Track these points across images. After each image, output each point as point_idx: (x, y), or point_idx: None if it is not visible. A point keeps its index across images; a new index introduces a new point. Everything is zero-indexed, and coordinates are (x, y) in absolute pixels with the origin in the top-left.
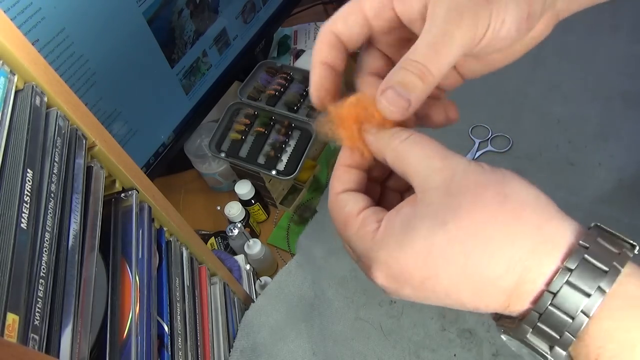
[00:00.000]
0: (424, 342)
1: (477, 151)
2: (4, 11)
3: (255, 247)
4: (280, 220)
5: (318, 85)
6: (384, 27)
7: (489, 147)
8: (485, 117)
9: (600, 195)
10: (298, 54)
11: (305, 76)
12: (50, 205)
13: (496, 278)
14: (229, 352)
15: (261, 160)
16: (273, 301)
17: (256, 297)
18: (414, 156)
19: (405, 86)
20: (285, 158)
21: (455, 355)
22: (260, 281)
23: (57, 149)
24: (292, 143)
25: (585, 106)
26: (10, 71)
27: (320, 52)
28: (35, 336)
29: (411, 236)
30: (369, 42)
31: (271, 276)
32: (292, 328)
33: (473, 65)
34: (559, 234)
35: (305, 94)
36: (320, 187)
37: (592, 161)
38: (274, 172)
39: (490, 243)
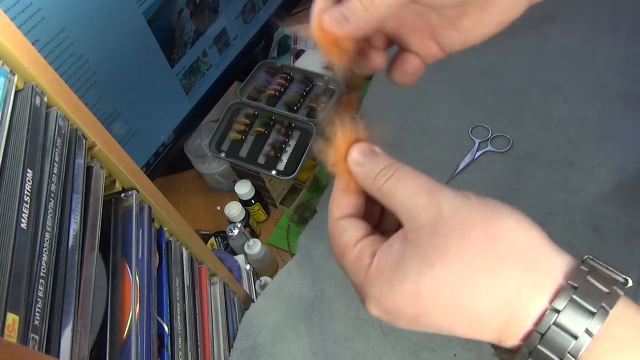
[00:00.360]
0: (424, 342)
1: (477, 151)
2: (4, 11)
3: (255, 247)
4: (280, 220)
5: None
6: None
7: (489, 147)
8: (485, 117)
9: (600, 195)
10: (298, 54)
11: (305, 76)
12: (50, 205)
13: (485, 317)
14: (229, 352)
15: (261, 160)
16: (273, 301)
17: (256, 297)
18: (400, 194)
19: (350, 10)
20: (285, 158)
21: (455, 355)
22: (260, 281)
23: (57, 149)
24: (292, 143)
25: (585, 106)
26: (10, 71)
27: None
28: (35, 336)
29: (401, 277)
30: None
31: (271, 276)
32: (292, 328)
33: (448, 33)
34: (547, 273)
35: (305, 94)
36: (320, 187)
37: (592, 161)
38: (274, 172)
39: (478, 285)
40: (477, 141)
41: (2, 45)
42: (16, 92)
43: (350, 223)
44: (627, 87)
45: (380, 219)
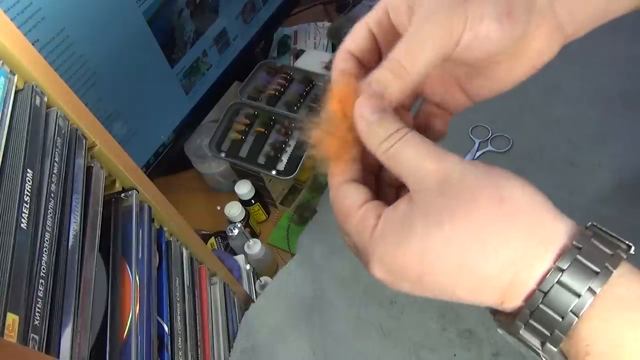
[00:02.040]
0: (424, 342)
1: (477, 151)
2: (4, 11)
3: (255, 247)
4: (280, 220)
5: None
6: (386, 37)
7: (489, 147)
8: (485, 117)
9: (600, 195)
10: (298, 54)
11: (305, 76)
12: (50, 205)
13: (490, 278)
14: (229, 352)
15: (261, 160)
16: (273, 301)
17: (256, 297)
18: (407, 158)
19: (380, 83)
20: (285, 158)
21: (455, 355)
22: (260, 281)
23: (57, 149)
24: (292, 143)
25: (585, 106)
26: (10, 71)
27: (337, 65)
28: (35, 336)
29: (408, 235)
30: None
31: (271, 276)
32: (292, 328)
33: (478, 83)
34: (552, 235)
35: (305, 94)
36: (320, 187)
37: (592, 161)
38: (274, 172)
39: (485, 245)
40: (477, 141)
41: (2, 45)
42: (16, 92)
43: (354, 187)
44: (627, 87)
45: (376, 193)
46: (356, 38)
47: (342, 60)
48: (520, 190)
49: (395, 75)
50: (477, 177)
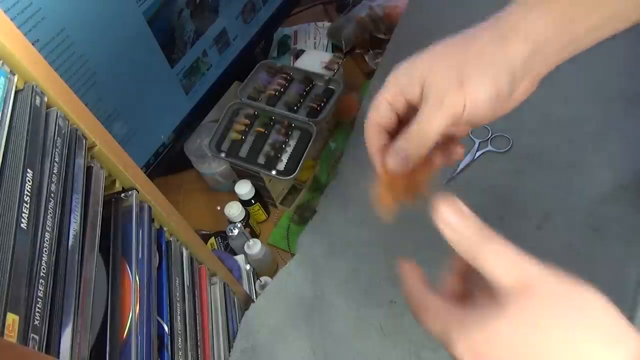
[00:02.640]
0: (424, 342)
1: (477, 151)
2: (4, 11)
3: (255, 247)
4: (280, 220)
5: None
6: (403, 109)
7: (489, 147)
8: None
9: (600, 195)
10: (298, 54)
11: (305, 76)
12: (50, 205)
13: None
14: (229, 352)
15: (261, 160)
16: (273, 301)
17: (256, 297)
18: (490, 261)
19: (403, 150)
20: (285, 158)
21: None
22: (260, 281)
23: (57, 149)
24: (292, 143)
25: (585, 106)
26: (10, 71)
27: (371, 139)
28: (35, 336)
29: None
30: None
31: (271, 276)
32: (292, 328)
33: (475, 124)
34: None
35: (305, 94)
36: (320, 187)
37: (592, 161)
38: (274, 172)
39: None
40: (477, 141)
41: (2, 45)
42: (16, 92)
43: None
44: (627, 87)
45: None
46: (380, 111)
47: (375, 132)
48: (597, 302)
49: (415, 147)
50: (557, 284)
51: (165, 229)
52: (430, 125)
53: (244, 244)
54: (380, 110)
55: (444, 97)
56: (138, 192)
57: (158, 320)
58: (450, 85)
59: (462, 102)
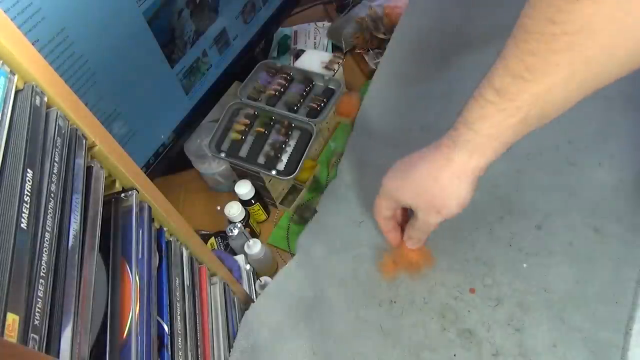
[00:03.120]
0: (424, 342)
1: None
2: (4, 11)
3: (255, 247)
4: (280, 220)
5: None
6: (400, 210)
7: None
8: None
9: (601, 195)
10: (298, 54)
11: (305, 76)
12: (50, 205)
13: None
14: (229, 352)
15: (261, 160)
16: (273, 301)
17: (256, 297)
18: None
19: (413, 237)
20: (285, 158)
21: (455, 355)
22: (260, 281)
23: (57, 149)
24: (292, 143)
25: (585, 106)
26: (10, 71)
27: (383, 226)
28: (35, 336)
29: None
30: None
31: (271, 276)
32: (292, 328)
33: None
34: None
35: (305, 94)
36: (320, 187)
37: (592, 161)
38: (274, 172)
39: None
40: None
41: (2, 45)
42: (16, 92)
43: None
44: (627, 87)
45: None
46: (383, 212)
47: (382, 220)
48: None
49: (419, 237)
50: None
51: (165, 229)
52: (426, 227)
53: (244, 244)
54: (382, 212)
55: (430, 210)
56: (138, 192)
57: (158, 320)
58: (430, 210)
59: (441, 217)
